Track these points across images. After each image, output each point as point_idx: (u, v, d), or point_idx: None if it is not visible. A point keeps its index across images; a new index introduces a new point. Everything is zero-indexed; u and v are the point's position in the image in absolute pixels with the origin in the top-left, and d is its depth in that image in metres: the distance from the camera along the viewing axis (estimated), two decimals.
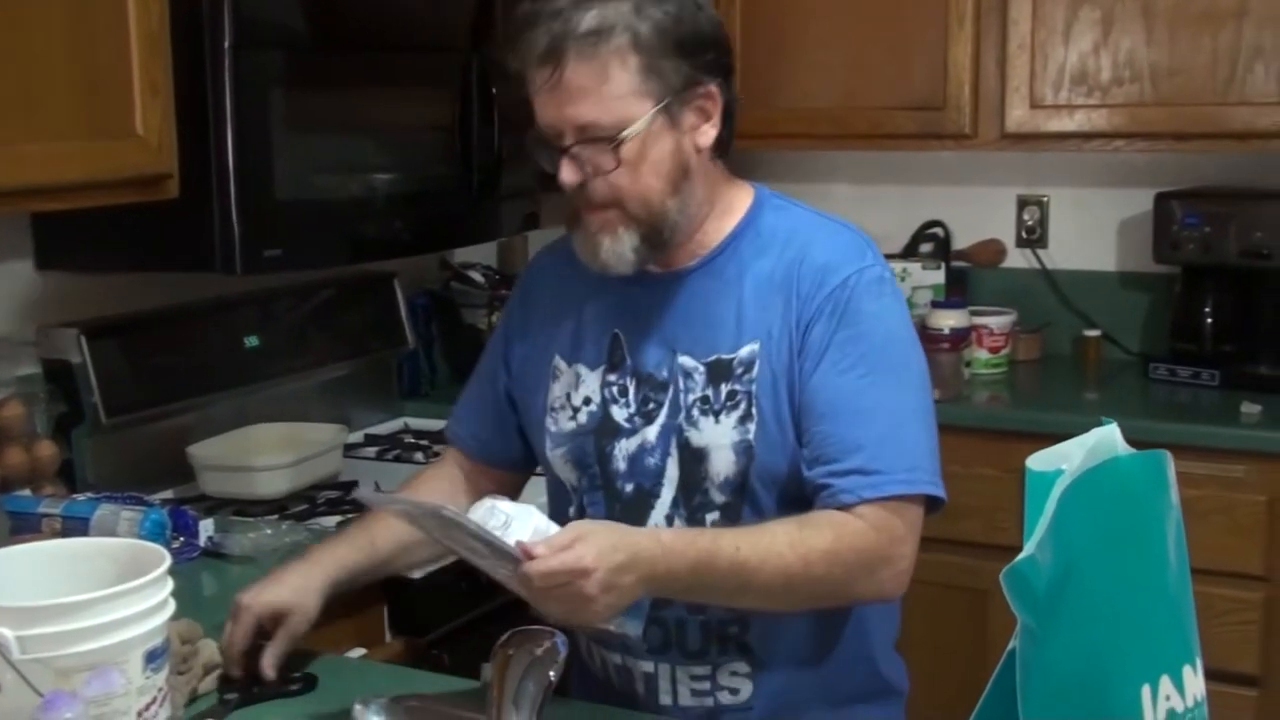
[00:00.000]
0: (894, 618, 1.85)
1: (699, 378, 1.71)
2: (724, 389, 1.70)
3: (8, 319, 2.46)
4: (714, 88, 1.68)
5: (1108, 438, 1.16)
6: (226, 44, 2.22)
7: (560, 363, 1.81)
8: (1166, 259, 3.29)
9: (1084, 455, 1.12)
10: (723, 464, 1.70)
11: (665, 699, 1.75)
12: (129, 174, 2.17)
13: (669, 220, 1.68)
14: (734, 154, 1.79)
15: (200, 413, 2.66)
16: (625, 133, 1.62)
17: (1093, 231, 3.60)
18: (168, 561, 1.41)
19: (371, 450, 2.96)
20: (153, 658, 1.37)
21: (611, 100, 1.61)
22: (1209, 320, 3.26)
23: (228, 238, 2.27)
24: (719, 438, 1.70)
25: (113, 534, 2.12)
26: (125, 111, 2.15)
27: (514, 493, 1.92)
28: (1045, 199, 3.65)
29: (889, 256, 2.34)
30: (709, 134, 1.69)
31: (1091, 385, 3.41)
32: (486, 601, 2.36)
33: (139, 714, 1.36)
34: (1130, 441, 1.18)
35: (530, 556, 1.45)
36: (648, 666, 1.75)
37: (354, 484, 2.63)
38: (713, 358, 1.71)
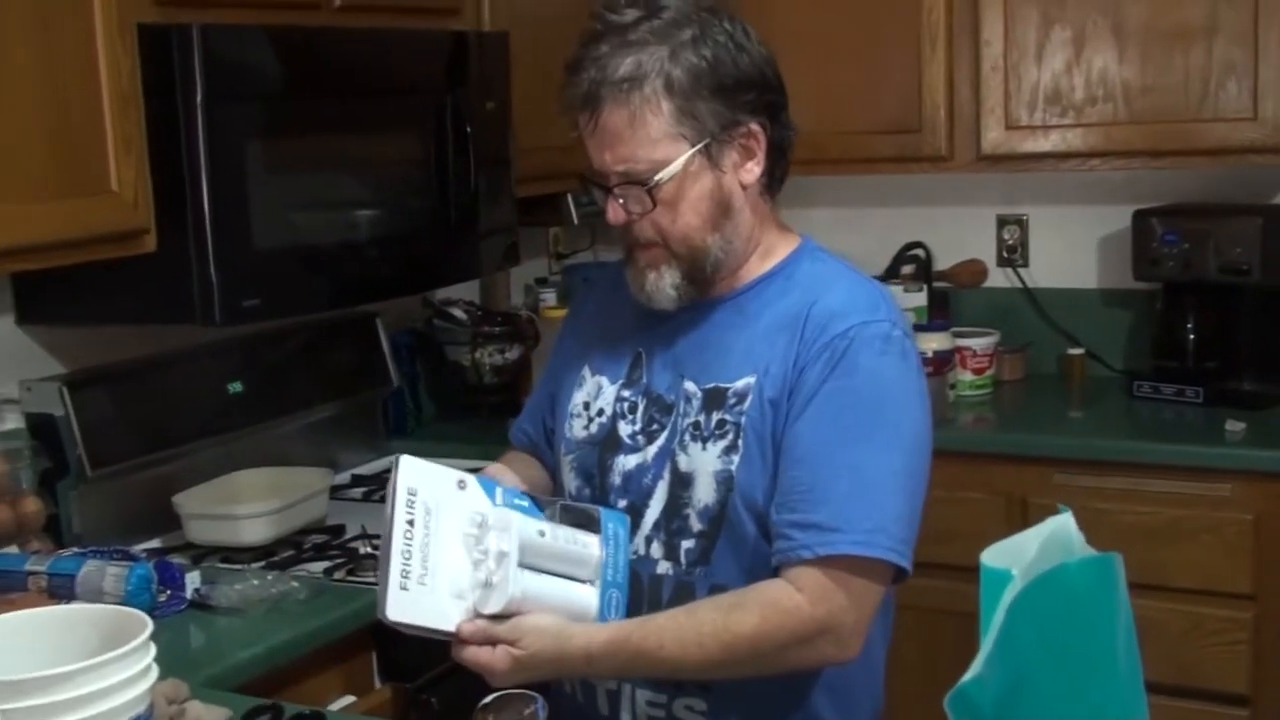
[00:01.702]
0: (872, 688, 1.83)
1: (696, 403, 1.74)
2: (715, 417, 1.72)
3: None
4: (755, 126, 1.71)
5: (1063, 528, 1.14)
6: (199, 97, 2.22)
7: (586, 371, 1.87)
8: (1147, 276, 3.30)
9: (1038, 548, 1.11)
10: (704, 492, 1.71)
11: (626, 717, 1.77)
12: (105, 231, 2.18)
13: (711, 257, 1.73)
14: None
15: (185, 461, 2.65)
16: (659, 176, 1.67)
17: (1073, 249, 3.61)
18: (149, 629, 1.41)
19: (358, 491, 2.95)
20: None
21: (646, 144, 1.66)
22: (1191, 337, 3.27)
23: (206, 289, 2.28)
24: (704, 465, 1.71)
25: (99, 589, 2.12)
26: (100, 168, 2.16)
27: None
28: (1025, 218, 3.66)
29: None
30: (753, 171, 1.73)
31: (1076, 404, 3.42)
32: None
33: None
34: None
35: (461, 639, 1.61)
36: (610, 684, 1.77)
37: (341, 527, 2.63)
38: (711, 385, 1.74)
